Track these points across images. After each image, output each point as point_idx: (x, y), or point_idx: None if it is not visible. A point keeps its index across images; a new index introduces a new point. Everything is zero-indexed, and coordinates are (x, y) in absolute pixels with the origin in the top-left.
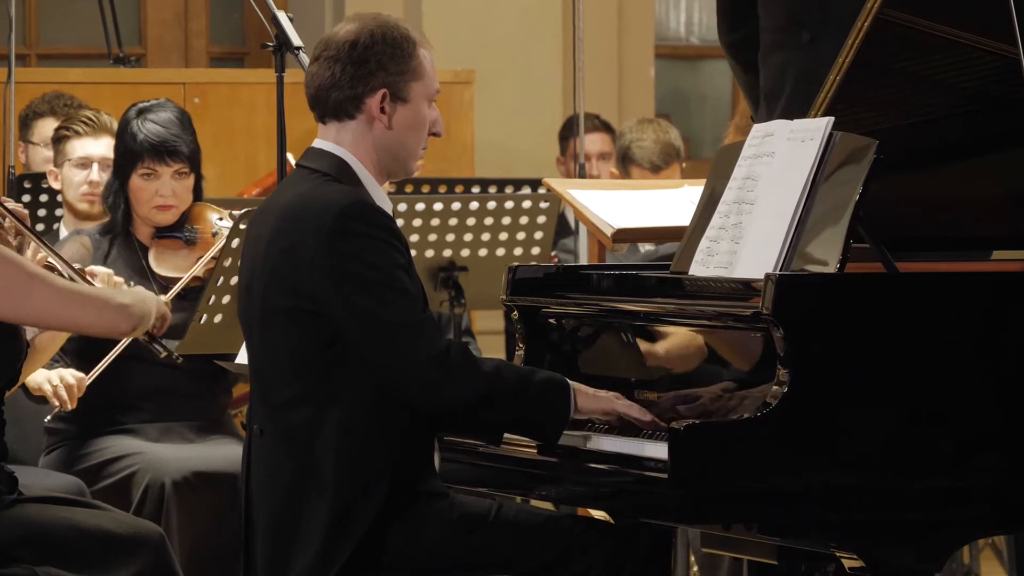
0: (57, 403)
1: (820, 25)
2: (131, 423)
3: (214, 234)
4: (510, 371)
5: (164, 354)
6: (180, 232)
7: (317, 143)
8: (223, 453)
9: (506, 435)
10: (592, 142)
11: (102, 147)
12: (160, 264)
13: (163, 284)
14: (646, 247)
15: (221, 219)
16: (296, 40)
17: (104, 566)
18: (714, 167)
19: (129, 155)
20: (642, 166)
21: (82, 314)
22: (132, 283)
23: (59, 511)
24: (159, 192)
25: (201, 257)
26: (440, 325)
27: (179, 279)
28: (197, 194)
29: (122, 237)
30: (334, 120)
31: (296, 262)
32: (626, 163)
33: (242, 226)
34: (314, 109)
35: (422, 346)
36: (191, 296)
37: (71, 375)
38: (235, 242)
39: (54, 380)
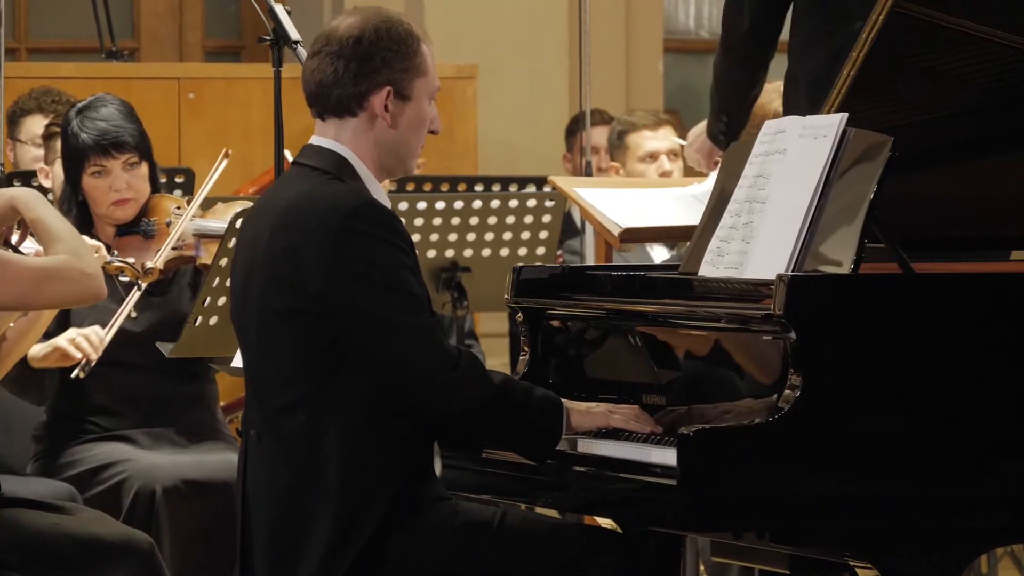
0: (80, 355)
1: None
2: (118, 429)
3: (168, 223)
4: (515, 385)
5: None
6: (138, 227)
7: (315, 140)
8: (216, 460)
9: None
10: (600, 135)
11: None
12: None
13: (127, 284)
14: (657, 248)
15: (178, 208)
16: (294, 34)
17: (92, 573)
18: (724, 165)
19: (75, 156)
20: (644, 124)
21: (60, 287)
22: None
23: (48, 517)
24: (113, 187)
25: (159, 250)
26: (443, 328)
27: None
28: (155, 184)
29: None
30: (334, 117)
31: (298, 262)
32: (622, 138)
33: (239, 225)
34: (313, 105)
35: (430, 350)
36: (158, 291)
37: (88, 329)
38: (231, 242)
39: (70, 334)
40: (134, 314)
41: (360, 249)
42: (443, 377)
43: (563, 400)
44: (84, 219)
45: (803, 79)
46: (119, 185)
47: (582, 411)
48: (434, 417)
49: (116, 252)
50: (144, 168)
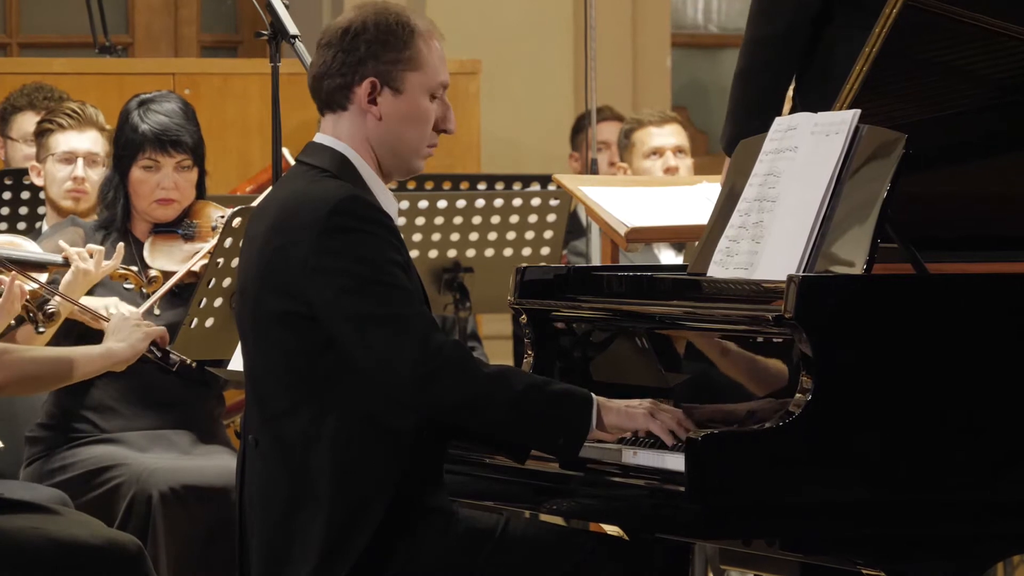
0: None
1: None
2: (115, 431)
3: (213, 228)
4: (517, 377)
5: (176, 366)
6: (178, 227)
7: (318, 137)
8: (214, 464)
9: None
10: (609, 130)
11: (87, 141)
12: (155, 258)
13: (157, 279)
14: (664, 250)
15: (222, 216)
16: (292, 28)
17: None
18: (733, 163)
19: (130, 146)
20: (650, 121)
21: None
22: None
23: (31, 520)
24: (160, 184)
25: (198, 252)
26: (445, 328)
27: (173, 274)
28: (200, 191)
29: (118, 234)
30: (329, 111)
31: (289, 262)
32: (629, 136)
33: (235, 224)
34: (314, 100)
35: (411, 339)
36: (186, 294)
37: (126, 312)
38: (228, 242)
39: (112, 307)
40: (157, 312)
41: (343, 243)
42: (421, 368)
43: (598, 398)
44: (126, 212)
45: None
46: (167, 184)
47: (620, 411)
48: (419, 412)
49: (149, 248)
50: (194, 174)
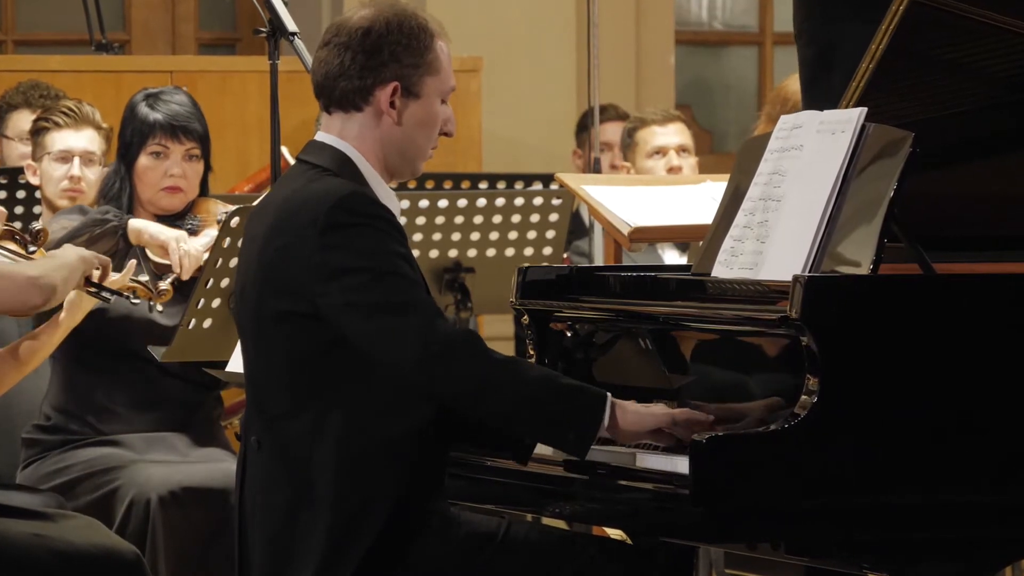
0: (176, 266)
1: None
2: (113, 433)
3: (218, 221)
4: (529, 368)
5: (111, 301)
6: (183, 222)
7: (320, 136)
8: (214, 467)
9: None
10: (614, 131)
11: (84, 140)
12: (157, 252)
13: (157, 273)
14: (668, 251)
15: (225, 212)
16: (291, 25)
17: None
18: (738, 162)
19: (138, 135)
20: (653, 120)
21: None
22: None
23: (29, 526)
24: (168, 172)
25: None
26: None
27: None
28: (203, 189)
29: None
30: (339, 111)
31: (292, 261)
32: (632, 135)
33: (234, 224)
34: (319, 97)
35: (417, 324)
36: (185, 289)
37: (196, 247)
38: (226, 241)
39: (183, 242)
40: (160, 308)
41: (345, 238)
42: (428, 352)
43: (615, 399)
44: (130, 205)
45: None
46: (175, 171)
47: (639, 412)
48: (432, 398)
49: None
50: (200, 166)
